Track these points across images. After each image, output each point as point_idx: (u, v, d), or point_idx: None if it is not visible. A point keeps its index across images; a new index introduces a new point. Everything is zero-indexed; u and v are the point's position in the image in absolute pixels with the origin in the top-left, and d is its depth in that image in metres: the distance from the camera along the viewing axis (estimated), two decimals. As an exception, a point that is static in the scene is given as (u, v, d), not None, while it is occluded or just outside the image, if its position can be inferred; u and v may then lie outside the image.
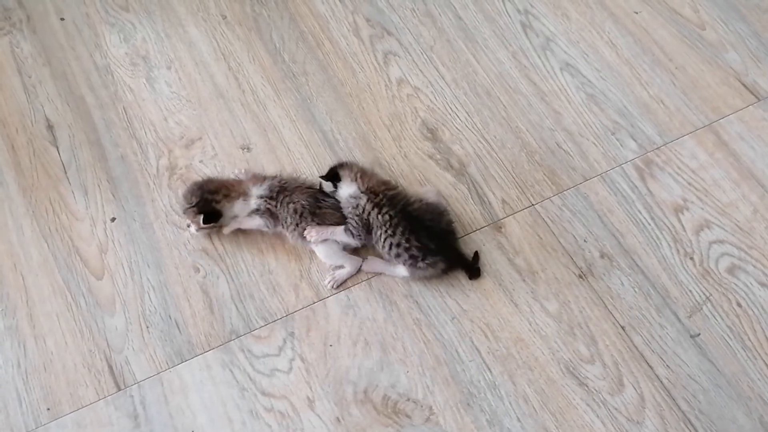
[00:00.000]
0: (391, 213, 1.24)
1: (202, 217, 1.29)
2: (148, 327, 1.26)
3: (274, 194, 1.31)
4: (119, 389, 1.20)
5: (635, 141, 1.45)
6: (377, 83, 1.53)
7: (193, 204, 1.30)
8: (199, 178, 1.37)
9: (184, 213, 1.32)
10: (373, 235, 1.27)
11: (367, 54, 1.58)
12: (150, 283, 1.30)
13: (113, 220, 1.37)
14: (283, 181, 1.32)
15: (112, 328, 1.26)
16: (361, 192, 1.27)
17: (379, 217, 1.25)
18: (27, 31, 1.63)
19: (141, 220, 1.37)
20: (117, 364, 1.23)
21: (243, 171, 1.39)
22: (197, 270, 1.31)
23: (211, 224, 1.30)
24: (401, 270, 1.27)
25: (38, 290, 1.30)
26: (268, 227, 1.32)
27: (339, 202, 1.30)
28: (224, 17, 1.64)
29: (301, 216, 1.28)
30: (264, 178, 1.34)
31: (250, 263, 1.31)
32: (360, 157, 1.43)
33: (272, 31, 1.61)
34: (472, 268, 1.28)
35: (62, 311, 1.27)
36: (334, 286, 1.28)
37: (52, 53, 1.59)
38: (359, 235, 1.27)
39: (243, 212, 1.31)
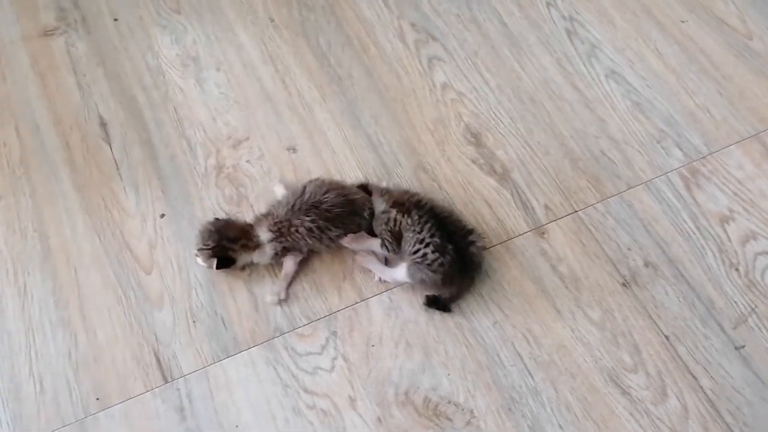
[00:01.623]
0: (420, 213, 1.26)
1: (215, 261, 1.28)
2: (194, 322, 1.29)
3: (277, 231, 1.28)
4: (166, 382, 1.23)
5: (681, 150, 1.44)
6: (422, 88, 1.55)
7: (208, 247, 1.30)
8: (219, 218, 1.33)
9: (198, 251, 1.31)
10: (403, 243, 1.28)
11: (411, 59, 1.59)
12: (197, 280, 1.32)
13: (162, 216, 1.40)
14: (279, 219, 1.28)
15: (161, 322, 1.29)
16: (390, 207, 1.29)
17: (408, 220, 1.26)
18: (82, 32, 1.68)
19: (189, 217, 1.40)
20: (164, 357, 1.26)
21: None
22: (243, 268, 1.33)
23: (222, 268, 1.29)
24: (399, 274, 1.26)
25: (90, 284, 1.33)
26: (303, 254, 1.31)
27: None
28: (272, 21, 1.68)
29: (317, 231, 1.27)
30: (265, 218, 1.31)
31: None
32: (403, 160, 1.44)
33: (319, 36, 1.64)
34: (447, 303, 1.26)
35: (113, 305, 1.31)
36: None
37: (106, 53, 1.64)
38: (393, 249, 1.29)
39: (265, 260, 1.30)
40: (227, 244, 1.29)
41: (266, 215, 1.32)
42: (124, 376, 1.24)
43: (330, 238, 1.29)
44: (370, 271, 1.31)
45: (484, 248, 1.30)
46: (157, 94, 1.57)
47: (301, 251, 1.31)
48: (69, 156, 1.49)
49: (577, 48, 1.59)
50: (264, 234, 1.29)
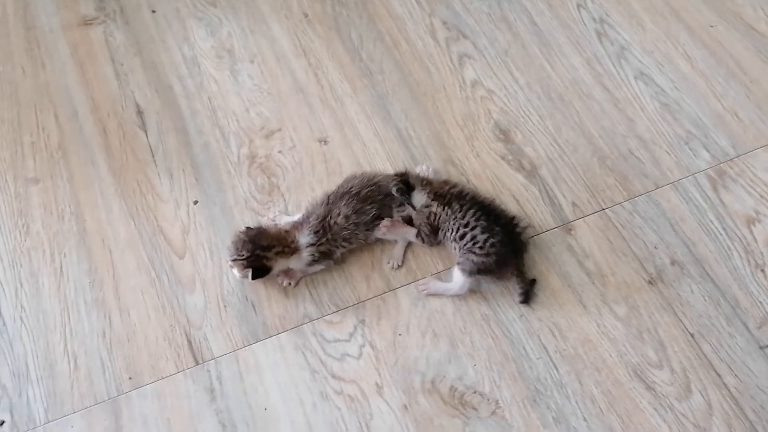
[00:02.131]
0: (461, 202, 1.28)
1: (251, 272, 1.27)
2: (225, 306, 1.31)
3: (320, 236, 1.29)
4: (197, 363, 1.26)
5: (708, 152, 1.45)
6: (452, 84, 1.57)
7: (243, 257, 1.29)
8: (250, 227, 1.31)
9: (232, 262, 1.30)
10: (441, 233, 1.30)
11: (442, 55, 1.62)
12: (228, 266, 1.36)
13: (196, 203, 1.43)
14: (319, 217, 1.30)
15: (192, 305, 1.32)
16: (431, 200, 1.31)
17: (449, 211, 1.28)
18: (120, 22, 1.72)
19: (221, 204, 1.43)
20: (196, 339, 1.28)
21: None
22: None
23: (257, 278, 1.29)
24: (456, 280, 1.27)
25: (124, 266, 1.37)
26: (331, 265, 1.32)
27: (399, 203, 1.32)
28: (306, 16, 1.71)
29: (353, 216, 1.29)
30: (303, 222, 1.31)
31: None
32: (433, 154, 1.46)
33: (351, 31, 1.67)
34: (527, 290, 1.26)
35: (146, 287, 1.34)
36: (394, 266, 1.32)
37: (143, 44, 1.68)
38: (429, 240, 1.31)
39: (299, 266, 1.31)
40: (261, 253, 1.27)
41: (305, 219, 1.32)
42: (156, 357, 1.27)
43: (365, 224, 1.30)
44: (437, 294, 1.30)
45: (528, 235, 1.32)
46: (192, 84, 1.60)
47: (333, 258, 1.32)
48: (106, 142, 1.53)
49: (607, 49, 1.61)
50: (304, 237, 1.29)
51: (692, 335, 1.25)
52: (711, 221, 1.37)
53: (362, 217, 1.31)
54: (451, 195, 1.31)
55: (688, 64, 1.58)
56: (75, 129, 1.55)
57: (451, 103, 1.55)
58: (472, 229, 1.26)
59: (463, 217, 1.27)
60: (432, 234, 1.31)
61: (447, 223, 1.29)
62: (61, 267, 1.37)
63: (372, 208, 1.32)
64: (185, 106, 1.57)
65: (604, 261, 1.32)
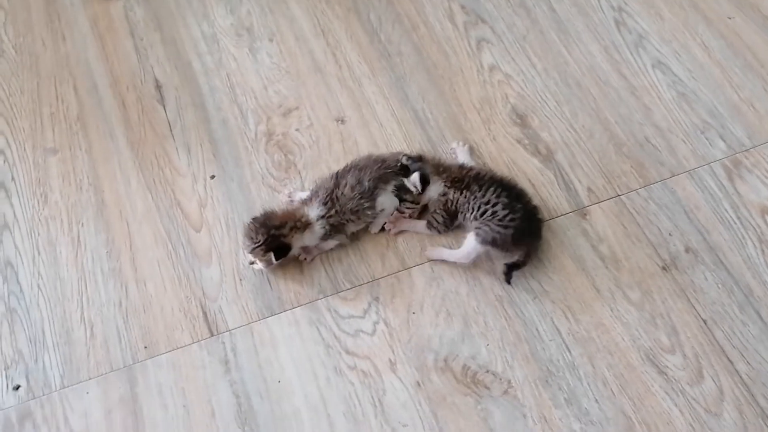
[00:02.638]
0: (480, 183, 1.29)
1: (272, 254, 1.26)
2: (241, 280, 1.32)
3: (329, 207, 1.30)
4: (212, 335, 1.27)
5: (724, 141, 1.45)
6: (469, 68, 1.57)
7: (260, 242, 1.27)
8: (261, 211, 1.31)
9: (251, 252, 1.29)
10: (460, 215, 1.30)
11: (460, 39, 1.62)
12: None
13: (213, 177, 1.44)
14: (328, 190, 1.31)
15: (208, 278, 1.33)
16: (448, 188, 1.31)
17: (467, 193, 1.29)
18: (140, -2, 1.76)
19: (239, 180, 1.44)
20: (211, 311, 1.29)
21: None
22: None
23: (282, 259, 1.28)
24: (465, 246, 1.28)
25: (141, 237, 1.38)
26: (344, 240, 1.33)
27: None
28: (325, -4, 1.74)
29: (357, 188, 1.29)
30: (311, 198, 1.32)
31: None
32: (449, 137, 1.47)
33: (370, 12, 1.67)
34: (518, 264, 1.27)
35: (163, 258, 1.35)
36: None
37: (163, 19, 1.69)
38: (443, 229, 1.32)
39: (313, 241, 1.31)
40: (277, 232, 1.27)
41: (314, 194, 1.33)
42: (172, 327, 1.28)
43: (372, 199, 1.30)
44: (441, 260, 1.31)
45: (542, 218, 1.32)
46: (211, 61, 1.61)
47: (346, 233, 1.32)
48: (125, 115, 1.54)
49: (625, 37, 1.61)
50: (314, 211, 1.29)
51: (705, 321, 1.25)
52: (726, 210, 1.37)
53: (368, 191, 1.32)
54: (468, 178, 1.31)
55: (706, 54, 1.58)
56: (94, 102, 1.57)
57: (468, 87, 1.55)
58: (494, 205, 1.27)
59: (483, 195, 1.28)
60: (448, 220, 1.32)
61: (466, 204, 1.30)
62: (79, 236, 1.38)
63: (377, 181, 1.32)
64: (204, 83, 1.58)
65: (619, 246, 1.33)
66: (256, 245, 1.26)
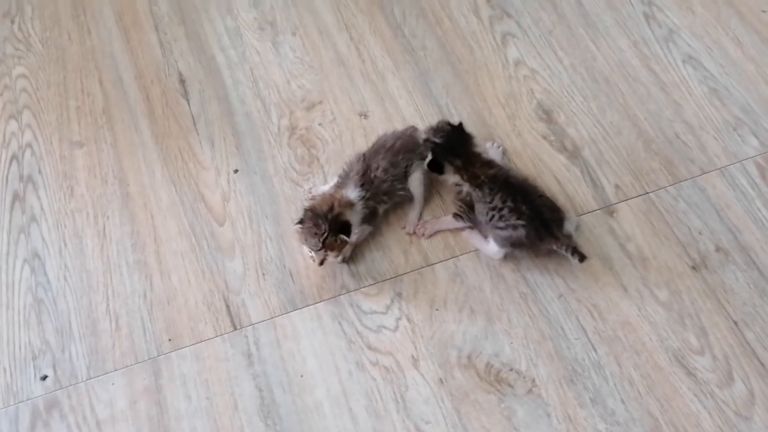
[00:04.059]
0: (491, 186, 1.27)
1: (340, 236, 1.24)
2: (264, 274, 1.32)
3: (367, 188, 1.29)
4: (235, 329, 1.27)
5: (757, 138, 1.41)
6: (494, 63, 1.55)
7: (324, 231, 1.24)
8: (309, 202, 1.31)
9: (324, 244, 1.24)
10: (477, 214, 1.29)
11: (485, 34, 1.60)
12: (267, 233, 1.36)
13: (236, 171, 1.44)
14: (359, 172, 1.29)
15: (231, 271, 1.33)
16: (464, 180, 1.30)
17: (479, 193, 1.27)
18: (165, -9, 1.77)
19: (262, 174, 1.44)
20: (234, 305, 1.30)
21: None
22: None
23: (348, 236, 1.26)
24: (492, 246, 1.28)
25: (165, 230, 1.38)
26: (372, 225, 1.32)
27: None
28: (349, -11, 1.73)
29: (391, 169, 1.30)
30: (343, 182, 1.30)
31: (363, 224, 1.37)
32: (474, 132, 1.42)
33: (394, 6, 1.66)
34: (574, 249, 1.24)
35: (186, 251, 1.36)
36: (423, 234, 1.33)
37: (187, 14, 1.69)
38: (468, 219, 1.30)
39: (357, 222, 1.29)
40: (332, 215, 1.24)
41: (344, 178, 1.32)
42: (196, 320, 1.28)
43: (404, 176, 1.31)
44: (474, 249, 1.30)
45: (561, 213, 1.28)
46: (234, 55, 1.61)
47: (376, 218, 1.32)
48: (149, 109, 1.55)
49: (655, 32, 1.57)
50: (353, 192, 1.28)
51: (736, 323, 1.22)
52: (758, 209, 1.33)
53: (399, 168, 1.32)
54: (485, 177, 1.28)
55: (739, 49, 1.54)
56: (119, 95, 1.58)
57: (493, 82, 1.53)
58: (500, 210, 1.25)
59: (491, 201, 1.26)
60: (470, 210, 1.30)
61: (478, 204, 1.29)
62: (104, 229, 1.39)
63: (404, 159, 1.32)
64: (227, 76, 1.58)
65: (647, 245, 1.31)
66: (325, 235, 1.22)
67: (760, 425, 1.13)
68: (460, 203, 1.32)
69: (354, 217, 1.29)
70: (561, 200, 1.36)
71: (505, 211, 1.25)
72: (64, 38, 1.69)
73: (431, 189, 1.39)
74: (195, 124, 1.52)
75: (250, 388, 1.21)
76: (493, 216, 1.26)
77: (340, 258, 1.29)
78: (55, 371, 1.25)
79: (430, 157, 1.32)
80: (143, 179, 1.45)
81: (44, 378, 1.25)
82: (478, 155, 1.33)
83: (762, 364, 1.18)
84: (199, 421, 1.19)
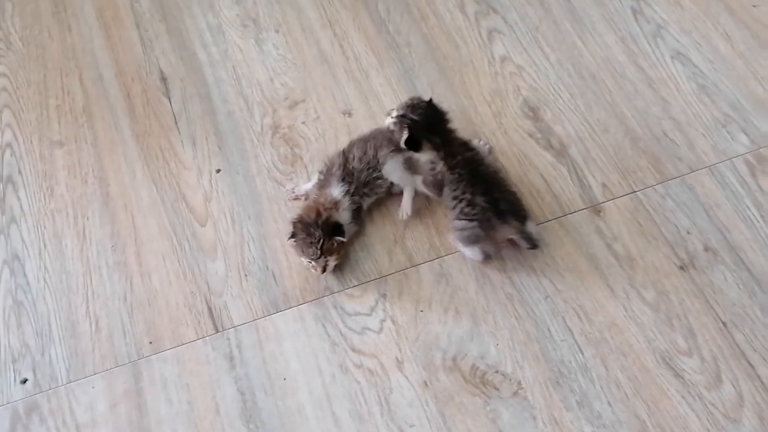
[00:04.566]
0: (461, 172, 1.25)
1: (335, 239, 1.25)
2: (246, 275, 1.30)
3: (349, 182, 1.28)
4: (217, 331, 1.25)
5: (747, 136, 1.39)
6: (480, 59, 1.53)
7: (320, 238, 1.24)
8: (294, 215, 1.28)
9: (322, 251, 1.24)
10: (444, 192, 1.28)
11: (471, 30, 1.58)
12: (250, 234, 1.34)
13: (218, 171, 1.42)
14: (340, 166, 1.29)
15: (213, 272, 1.31)
16: (440, 159, 1.27)
17: (450, 176, 1.26)
18: (146, -12, 1.73)
19: (244, 173, 1.42)
20: (216, 307, 1.28)
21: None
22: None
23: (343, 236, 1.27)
24: (463, 248, 1.27)
25: (146, 230, 1.36)
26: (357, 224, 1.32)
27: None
28: (333, -15, 1.70)
29: (367, 156, 1.29)
30: (325, 179, 1.30)
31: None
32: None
33: (378, 2, 1.64)
34: (527, 236, 1.23)
35: (167, 252, 1.34)
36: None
37: (168, 10, 1.67)
38: (432, 191, 1.29)
39: (346, 218, 1.29)
40: (321, 221, 1.24)
41: (326, 174, 1.31)
42: (177, 322, 1.26)
43: (376, 162, 1.29)
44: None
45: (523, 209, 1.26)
46: (216, 52, 1.59)
47: (361, 215, 1.31)
48: (130, 107, 1.53)
49: (643, 27, 1.55)
50: (336, 189, 1.28)
51: (724, 324, 1.21)
52: (748, 207, 1.32)
53: (377, 157, 1.30)
54: (461, 158, 1.26)
55: (728, 44, 1.52)
56: (100, 93, 1.55)
57: (478, 79, 1.51)
58: (460, 201, 1.24)
59: (455, 188, 1.25)
60: (436, 186, 1.28)
61: (446, 188, 1.27)
62: (84, 230, 1.37)
63: (371, 144, 1.31)
64: (209, 74, 1.56)
65: (634, 244, 1.29)
66: (321, 241, 1.22)
67: (749, 428, 1.12)
68: (431, 176, 1.28)
69: (343, 216, 1.28)
70: (547, 199, 1.35)
71: (463, 204, 1.24)
72: (44, 36, 1.66)
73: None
74: (176, 123, 1.49)
75: (232, 391, 1.19)
76: (455, 206, 1.25)
77: (334, 262, 1.27)
78: (34, 374, 1.23)
79: (406, 134, 1.26)
80: (124, 179, 1.43)
81: (24, 381, 1.23)
82: (454, 132, 1.30)
83: (751, 366, 1.17)
84: (180, 425, 1.17)
